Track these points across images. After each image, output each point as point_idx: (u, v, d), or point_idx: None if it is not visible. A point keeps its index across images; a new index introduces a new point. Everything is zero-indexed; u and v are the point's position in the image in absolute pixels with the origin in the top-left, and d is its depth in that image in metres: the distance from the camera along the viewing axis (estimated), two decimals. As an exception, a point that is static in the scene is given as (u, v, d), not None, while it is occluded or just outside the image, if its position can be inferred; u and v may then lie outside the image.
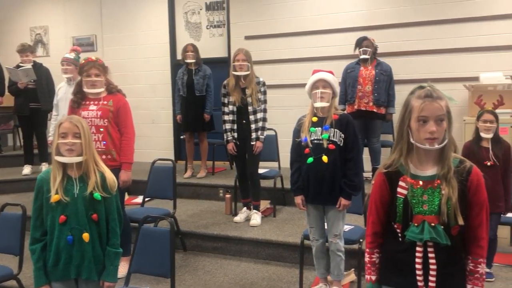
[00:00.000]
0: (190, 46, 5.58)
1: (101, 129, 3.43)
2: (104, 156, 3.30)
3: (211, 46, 6.52)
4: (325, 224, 3.28)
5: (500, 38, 5.02)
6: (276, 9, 6.03)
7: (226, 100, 4.45)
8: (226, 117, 4.46)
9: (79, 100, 3.53)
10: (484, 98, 4.45)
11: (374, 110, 4.88)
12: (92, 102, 3.50)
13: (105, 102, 3.50)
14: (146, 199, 4.48)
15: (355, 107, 4.92)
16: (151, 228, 3.24)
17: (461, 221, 1.67)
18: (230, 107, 4.41)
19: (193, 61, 5.52)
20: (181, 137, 6.13)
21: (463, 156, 3.82)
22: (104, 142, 3.43)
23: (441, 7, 5.24)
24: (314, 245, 3.31)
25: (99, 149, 3.32)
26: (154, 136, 6.92)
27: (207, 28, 6.62)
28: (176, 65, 6.50)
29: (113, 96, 3.56)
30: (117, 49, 7.04)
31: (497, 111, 3.91)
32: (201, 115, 5.57)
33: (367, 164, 5.25)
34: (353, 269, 3.65)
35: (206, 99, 5.58)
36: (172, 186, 4.27)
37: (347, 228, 3.47)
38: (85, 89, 3.50)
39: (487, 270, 3.76)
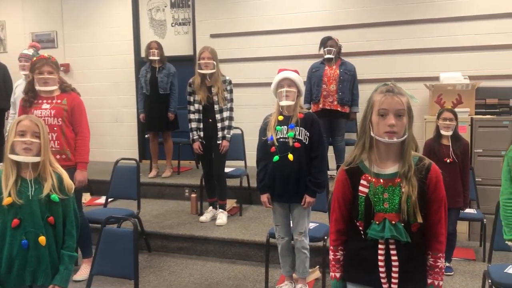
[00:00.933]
0: (155, 44, 5.49)
1: (55, 128, 3.32)
2: (58, 156, 3.20)
3: (176, 44, 6.44)
4: (291, 222, 3.30)
5: (459, 39, 5.18)
6: (242, 7, 6.02)
7: (191, 99, 4.41)
8: (191, 116, 4.41)
9: (31, 99, 3.40)
10: (444, 97, 4.59)
11: (339, 109, 4.94)
12: (45, 101, 3.39)
13: (58, 101, 3.40)
14: (109, 199, 4.38)
15: (320, 106, 4.97)
16: (113, 229, 3.18)
17: (420, 219, 1.70)
18: (196, 105, 4.37)
19: (157, 58, 5.44)
20: (146, 136, 6.03)
21: (424, 153, 3.97)
22: (58, 142, 3.34)
23: (403, 8, 5.36)
24: (279, 243, 3.32)
25: (53, 149, 3.23)
26: (117, 136, 6.78)
27: (172, 26, 6.54)
28: (140, 62, 6.38)
29: (67, 95, 3.46)
30: (79, 46, 6.85)
31: (456, 109, 4.04)
32: (165, 114, 5.50)
33: (332, 162, 5.34)
34: (318, 266, 3.69)
35: (171, 97, 5.51)
36: (136, 186, 4.19)
37: (312, 225, 3.50)
38: (38, 87, 3.37)
39: (447, 264, 3.89)
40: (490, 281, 2.87)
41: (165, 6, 6.52)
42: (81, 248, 3.65)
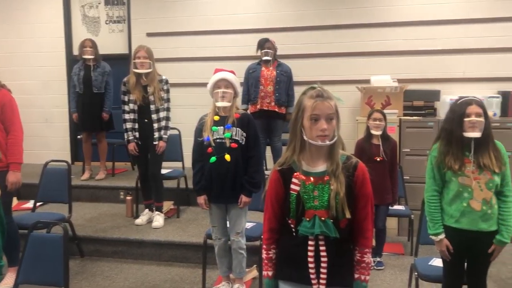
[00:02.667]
0: (88, 42, 5.30)
1: (-16, 127, 3.13)
2: (-13, 157, 3.02)
3: (110, 42, 6.24)
4: (228, 222, 3.31)
5: (389, 44, 5.43)
6: (179, 6, 5.95)
7: (126, 98, 4.30)
8: (126, 116, 4.30)
9: None
10: (374, 99, 4.79)
11: (276, 110, 5.01)
12: (-28, 99, 3.18)
13: (-13, 99, 3.20)
14: (38, 203, 4.17)
15: (258, 107, 5.02)
16: (41, 235, 3.02)
17: (348, 215, 1.76)
18: (131, 105, 4.27)
19: (92, 57, 5.25)
20: (78, 137, 5.80)
21: (356, 152, 4.13)
22: None
23: (337, 13, 5.53)
24: (216, 244, 3.32)
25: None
26: (48, 136, 6.47)
27: (106, 23, 6.34)
28: (72, 61, 6.13)
29: (-4, 92, 3.27)
30: (6, 42, 6.46)
31: (386, 111, 4.23)
32: (99, 113, 5.32)
33: (270, 162, 5.41)
34: (255, 265, 3.72)
35: (105, 97, 5.34)
36: (67, 189, 4.02)
37: (249, 225, 3.53)
38: (-36, 84, 3.16)
39: (378, 259, 4.06)
40: (416, 273, 3.03)
41: (99, 3, 6.31)
42: (9, 256, 3.45)
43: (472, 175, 2.50)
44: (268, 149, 5.28)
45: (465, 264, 2.68)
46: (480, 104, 2.53)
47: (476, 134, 2.48)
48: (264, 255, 1.92)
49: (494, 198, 2.54)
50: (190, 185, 4.76)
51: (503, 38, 5.13)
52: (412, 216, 4.30)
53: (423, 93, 5.12)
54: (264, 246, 1.92)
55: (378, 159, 3.95)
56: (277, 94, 4.96)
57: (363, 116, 4.68)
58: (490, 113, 4.65)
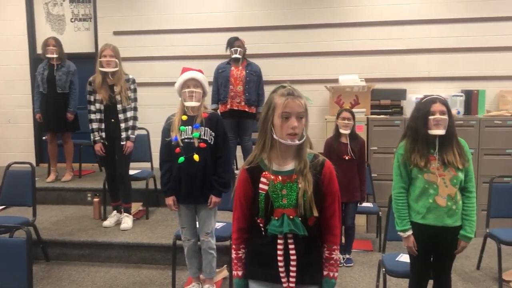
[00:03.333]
0: (52, 40, 5.14)
1: None
2: None
3: (76, 41, 6.10)
4: (197, 223, 3.28)
5: (356, 44, 5.50)
6: (147, 5, 5.86)
7: (92, 98, 4.21)
8: (92, 116, 4.21)
9: None
10: (343, 98, 4.84)
11: (246, 109, 5.00)
12: None
13: None
14: (0, 207, 4.03)
15: (228, 106, 5.00)
16: (3, 239, 2.92)
17: (316, 213, 1.77)
18: (97, 105, 4.18)
19: (56, 56, 5.10)
20: (43, 138, 5.64)
21: (325, 151, 4.17)
22: None
23: (306, 13, 5.56)
24: (186, 245, 3.28)
25: None
26: (11, 138, 6.26)
27: (72, 21, 6.18)
28: (36, 59, 5.94)
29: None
30: (-37, 40, 6.23)
31: (354, 110, 4.29)
32: (64, 114, 5.17)
33: (240, 162, 5.40)
34: (225, 265, 3.71)
35: (70, 97, 5.20)
36: (31, 191, 3.91)
37: (218, 225, 3.51)
38: None
39: (347, 256, 4.11)
40: (384, 269, 3.08)
41: (63, 1, 6.15)
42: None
43: (437, 172, 2.55)
44: (239, 149, 5.27)
45: (431, 259, 2.75)
46: (444, 102, 2.60)
47: (441, 132, 2.54)
48: (233, 255, 1.91)
49: (459, 194, 2.60)
50: (159, 186, 4.67)
51: (466, 38, 5.28)
52: (380, 213, 4.38)
53: (389, 92, 5.21)
54: (234, 246, 1.91)
55: (347, 158, 4.00)
56: (247, 94, 4.95)
57: (332, 115, 4.73)
58: (454, 111, 4.77)
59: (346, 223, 4.07)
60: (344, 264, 4.03)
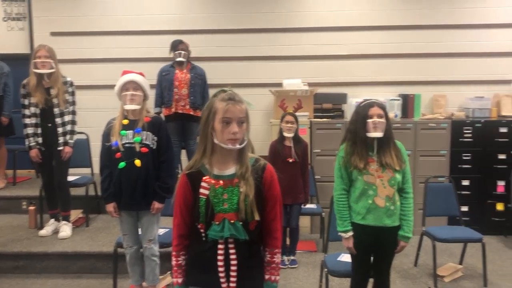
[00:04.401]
0: (-18, 40, 4.86)
1: None
2: None
3: (9, 41, 5.78)
4: (139, 229, 3.20)
5: (300, 49, 5.59)
6: (86, 5, 5.66)
7: (26, 102, 4.01)
8: (27, 121, 4.01)
9: None
10: (286, 102, 4.90)
11: (191, 113, 4.94)
12: None
13: None
14: None
15: (173, 110, 4.92)
16: None
17: (257, 217, 1.77)
18: (32, 109, 3.98)
19: (-14, 56, 4.82)
20: (-26, 143, 5.30)
21: (270, 154, 4.20)
22: None
23: (251, 17, 5.59)
24: (128, 253, 3.20)
25: None
26: None
27: (4, 21, 5.85)
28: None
29: None
30: None
31: (297, 114, 4.36)
32: (-3, 118, 4.90)
33: (185, 166, 5.31)
34: (169, 272, 3.64)
35: (4, 100, 4.92)
36: (-42, 201, 3.65)
37: (161, 231, 3.45)
38: None
39: (292, 257, 4.16)
40: (326, 270, 3.15)
41: (-5, -2, 5.83)
42: None
43: (376, 173, 2.64)
44: (184, 153, 5.20)
45: (372, 258, 2.83)
46: (381, 106, 2.69)
47: (378, 134, 2.63)
48: (173, 262, 1.88)
49: (397, 195, 2.70)
50: (100, 192, 4.55)
51: (403, 44, 5.51)
52: (324, 214, 4.47)
53: (331, 96, 5.34)
54: (174, 253, 1.88)
55: (291, 160, 4.06)
56: (192, 97, 4.90)
57: (277, 119, 4.78)
58: (391, 114, 5.00)
59: (290, 225, 4.12)
60: (289, 265, 4.08)
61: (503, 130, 4.99)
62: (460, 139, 4.99)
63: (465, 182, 5.00)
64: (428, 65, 5.52)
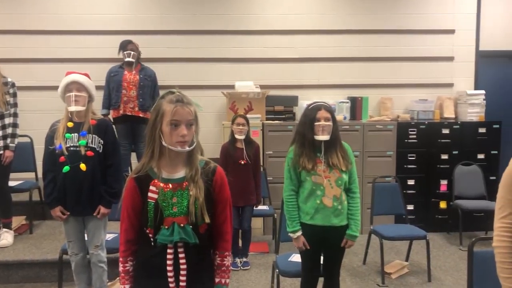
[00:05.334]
0: None
1: None
2: None
3: None
4: (86, 235, 3.10)
5: (252, 51, 5.60)
6: (27, 3, 5.41)
7: (-38, 103, 3.78)
8: (-36, 123, 3.79)
9: None
10: (237, 104, 4.91)
11: (140, 115, 4.84)
12: None
13: None
14: None
15: (121, 112, 4.80)
16: None
17: (207, 219, 1.76)
18: (-31, 111, 3.77)
19: None
20: None
21: (221, 156, 4.19)
22: None
23: (202, 18, 5.55)
24: (73, 260, 3.08)
25: None
26: None
27: None
28: None
29: None
30: None
31: (249, 116, 4.38)
32: None
33: (134, 169, 5.20)
34: (117, 278, 3.54)
35: None
36: None
37: (109, 236, 3.36)
38: None
39: (244, 259, 4.17)
40: (277, 270, 3.17)
41: None
42: None
43: (323, 174, 2.70)
44: (134, 156, 5.09)
45: (321, 257, 2.88)
46: (328, 109, 2.75)
47: (325, 137, 2.69)
48: (120, 268, 1.83)
49: (344, 195, 2.77)
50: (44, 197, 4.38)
51: (351, 48, 5.66)
52: (276, 215, 4.51)
53: (283, 98, 5.40)
54: (121, 259, 1.83)
55: (243, 162, 4.07)
56: (140, 99, 4.80)
57: (229, 121, 4.77)
58: (340, 116, 5.12)
59: (243, 227, 4.12)
60: (241, 267, 4.08)
61: (446, 131, 5.24)
62: (406, 140, 5.18)
63: (411, 182, 5.19)
64: (375, 69, 5.70)
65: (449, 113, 5.52)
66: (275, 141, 5.03)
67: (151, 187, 1.77)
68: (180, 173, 1.79)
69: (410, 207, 5.10)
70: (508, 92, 5.84)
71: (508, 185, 1.70)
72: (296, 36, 5.63)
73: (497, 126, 5.29)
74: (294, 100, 5.40)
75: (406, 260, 4.28)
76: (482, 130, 5.27)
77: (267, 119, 5.22)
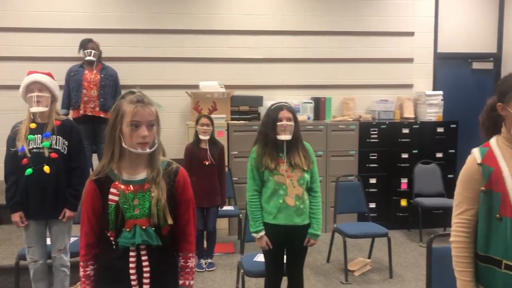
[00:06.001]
0: None
1: None
2: None
3: None
4: (48, 240, 3.01)
5: (217, 51, 5.58)
6: (-17, -1, 5.22)
7: None
8: None
9: None
10: (201, 104, 4.88)
11: (102, 115, 4.75)
12: None
13: None
14: None
15: (81, 112, 4.70)
16: None
17: (170, 221, 1.75)
18: None
19: None
20: None
21: (185, 157, 4.17)
22: None
23: (165, 17, 5.47)
24: (32, 268, 2.98)
25: None
26: None
27: None
28: None
29: None
30: None
31: (214, 116, 4.36)
32: None
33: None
34: (79, 282, 3.45)
35: None
36: None
37: (72, 239, 3.27)
38: None
39: (209, 260, 4.16)
40: (242, 270, 3.18)
41: None
42: None
43: (285, 174, 2.73)
44: (95, 157, 4.98)
45: (284, 256, 2.91)
46: (290, 109, 2.79)
47: (287, 137, 2.73)
48: (81, 273, 1.79)
49: (306, 194, 2.81)
50: (2, 201, 4.21)
51: (315, 50, 5.73)
52: (241, 215, 4.51)
53: (248, 98, 5.42)
54: (81, 263, 1.79)
55: (207, 163, 4.06)
56: (101, 99, 4.71)
57: (193, 121, 4.74)
58: (304, 116, 5.19)
59: (207, 228, 4.11)
60: (206, 268, 4.07)
61: (406, 131, 5.39)
62: (367, 140, 5.30)
63: (372, 180, 5.32)
64: (338, 70, 5.79)
65: (409, 113, 5.68)
66: (240, 141, 5.03)
67: (112, 189, 1.74)
68: (142, 175, 1.77)
69: (372, 205, 5.22)
70: (465, 93, 6.06)
71: (465, 182, 1.78)
72: (261, 37, 5.65)
73: (454, 125, 5.48)
74: (259, 100, 5.42)
75: (369, 257, 4.38)
76: (440, 129, 5.45)
77: (232, 119, 5.22)
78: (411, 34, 5.87)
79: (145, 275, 1.73)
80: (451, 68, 6.06)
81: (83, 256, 1.79)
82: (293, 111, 2.79)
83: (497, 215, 1.68)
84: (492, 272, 1.71)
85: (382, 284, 3.88)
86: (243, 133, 5.06)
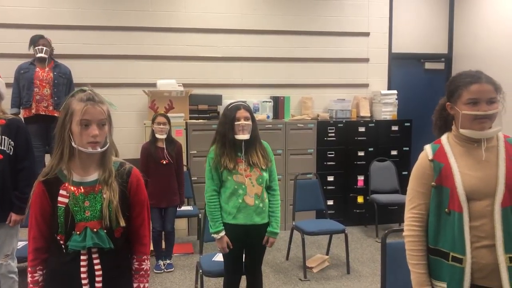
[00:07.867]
0: None
1: None
2: None
3: None
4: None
5: (174, 49, 5.51)
6: None
7: None
8: None
9: None
10: (157, 102, 4.79)
11: (55, 114, 4.59)
12: None
13: None
14: None
15: (33, 111, 4.53)
16: None
17: (122, 223, 1.70)
18: None
19: None
20: None
21: (142, 156, 4.08)
22: None
23: (121, 14, 5.33)
24: (-23, 274, 2.85)
25: None
26: None
27: None
28: None
29: None
30: None
31: (172, 115, 4.30)
32: None
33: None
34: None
35: None
36: None
37: (21, 244, 3.15)
38: None
39: (168, 261, 4.10)
40: (201, 271, 3.15)
41: None
42: None
43: (244, 173, 2.73)
44: (48, 158, 4.81)
45: (243, 256, 2.91)
46: (247, 108, 2.79)
47: (245, 137, 2.73)
48: (29, 279, 1.72)
49: (265, 193, 2.82)
50: None
51: (273, 49, 5.75)
52: (200, 215, 4.47)
53: (207, 97, 5.38)
54: (30, 269, 1.72)
55: (164, 162, 3.99)
56: (55, 98, 4.56)
57: (150, 120, 4.66)
58: (263, 116, 5.20)
59: (165, 228, 4.05)
60: (165, 269, 4.00)
61: (362, 129, 5.50)
62: (325, 138, 5.38)
63: (330, 178, 5.40)
64: (297, 69, 5.84)
65: (365, 112, 5.81)
66: (199, 140, 4.99)
67: (61, 191, 1.68)
68: (93, 176, 1.72)
69: (330, 202, 5.30)
70: (418, 92, 6.26)
71: (417, 178, 1.83)
72: (219, 35, 5.61)
73: (408, 124, 5.65)
74: (218, 99, 5.39)
75: (327, 253, 4.44)
76: (395, 128, 5.60)
77: (191, 118, 5.17)
78: (366, 34, 5.99)
79: (97, 279, 1.68)
80: (405, 68, 6.24)
81: (31, 261, 1.72)
82: (250, 110, 2.79)
83: (446, 210, 1.74)
84: (440, 264, 1.77)
85: (340, 280, 3.95)
86: (202, 132, 5.02)
